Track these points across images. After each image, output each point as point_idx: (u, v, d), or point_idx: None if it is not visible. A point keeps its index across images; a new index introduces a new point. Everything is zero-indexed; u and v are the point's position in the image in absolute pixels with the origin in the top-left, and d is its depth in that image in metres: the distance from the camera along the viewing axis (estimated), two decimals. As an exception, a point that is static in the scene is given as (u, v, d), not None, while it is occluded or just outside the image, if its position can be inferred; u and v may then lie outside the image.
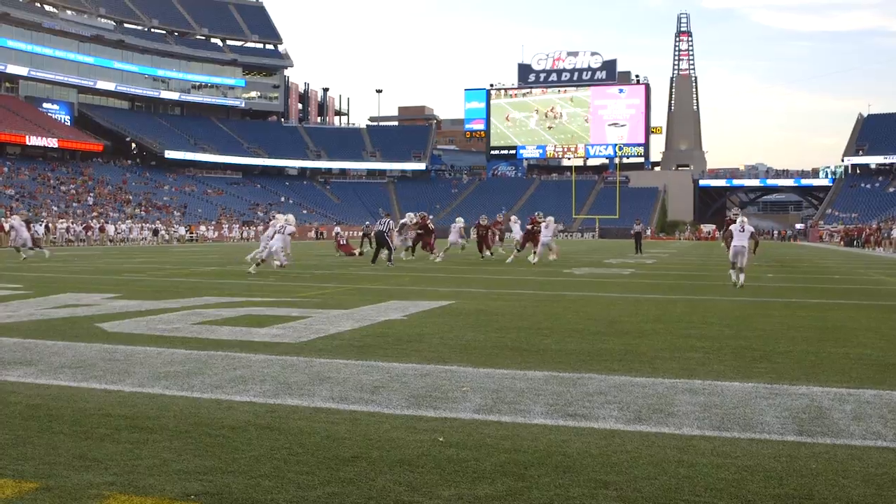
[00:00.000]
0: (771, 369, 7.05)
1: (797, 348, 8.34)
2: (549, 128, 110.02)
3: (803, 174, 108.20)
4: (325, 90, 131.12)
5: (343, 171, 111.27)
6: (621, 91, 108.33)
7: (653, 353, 7.89)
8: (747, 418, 5.24)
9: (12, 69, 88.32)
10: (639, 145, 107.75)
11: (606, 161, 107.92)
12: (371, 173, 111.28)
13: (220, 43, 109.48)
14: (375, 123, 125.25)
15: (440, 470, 4.05)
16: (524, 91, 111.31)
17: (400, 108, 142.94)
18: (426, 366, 6.98)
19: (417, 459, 4.21)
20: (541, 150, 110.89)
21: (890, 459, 4.35)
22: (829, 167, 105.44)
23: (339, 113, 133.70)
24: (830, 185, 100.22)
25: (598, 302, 13.39)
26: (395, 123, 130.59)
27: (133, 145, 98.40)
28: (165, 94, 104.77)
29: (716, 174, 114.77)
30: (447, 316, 10.94)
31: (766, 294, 15.58)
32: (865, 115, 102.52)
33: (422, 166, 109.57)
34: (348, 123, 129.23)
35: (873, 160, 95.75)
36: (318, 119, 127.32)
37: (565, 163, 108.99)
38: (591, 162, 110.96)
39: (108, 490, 3.71)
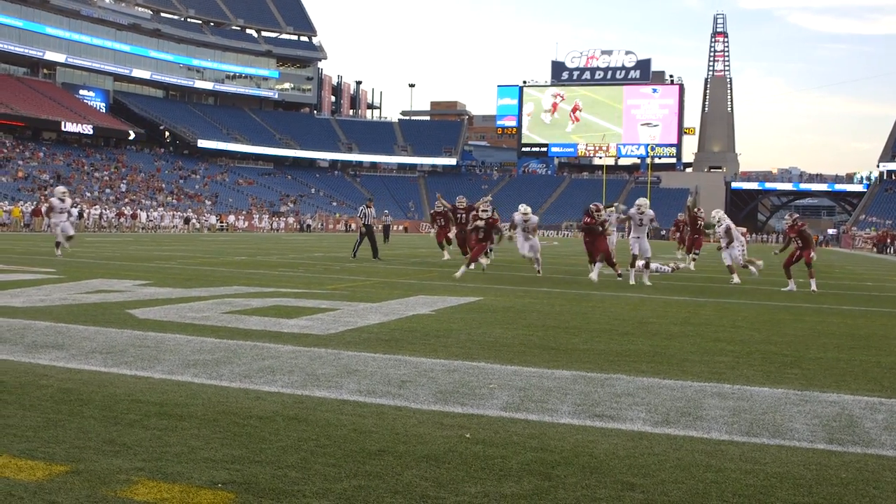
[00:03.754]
0: (801, 375, 6.98)
1: (828, 355, 8.25)
2: (581, 126, 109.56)
3: (837, 179, 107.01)
4: (359, 83, 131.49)
5: (374, 165, 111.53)
6: (655, 91, 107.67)
7: (681, 356, 7.84)
8: (777, 424, 5.18)
9: (50, 56, 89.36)
10: (671, 146, 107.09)
11: (638, 161, 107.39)
12: (402, 167, 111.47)
13: (254, 34, 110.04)
14: (407, 118, 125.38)
15: (466, 466, 4.05)
16: (557, 88, 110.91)
17: (432, 103, 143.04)
18: (454, 361, 6.98)
19: (444, 455, 4.21)
20: (572, 149, 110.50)
21: (922, 471, 4.29)
22: (863, 173, 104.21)
23: (371, 106, 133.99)
24: (865, 190, 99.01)
25: (627, 302, 13.32)
26: (427, 118, 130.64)
27: (166, 134, 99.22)
28: (200, 84, 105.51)
29: (748, 177, 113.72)
30: (475, 312, 10.93)
31: (797, 300, 15.42)
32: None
33: (452, 161, 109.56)
34: (380, 117, 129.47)
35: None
36: (351, 112, 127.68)
37: (596, 161, 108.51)
38: (623, 161, 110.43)
39: (136, 475, 3.74)
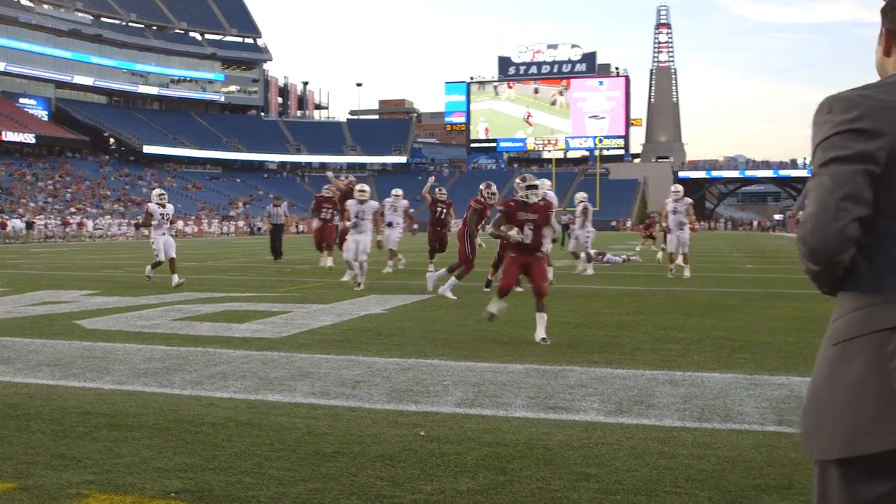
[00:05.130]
0: (751, 360, 7.09)
1: (777, 339, 8.39)
2: (530, 120, 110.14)
3: (782, 165, 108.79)
4: (305, 84, 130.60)
5: (323, 165, 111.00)
6: (601, 83, 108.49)
7: (633, 345, 7.92)
8: (727, 409, 5.26)
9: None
10: (619, 137, 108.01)
11: (587, 153, 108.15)
12: (352, 167, 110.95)
13: (198, 37, 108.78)
14: (356, 117, 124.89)
15: (422, 464, 4.04)
16: (504, 83, 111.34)
17: (380, 102, 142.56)
18: (407, 360, 6.97)
19: (399, 454, 4.20)
20: (521, 143, 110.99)
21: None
22: (806, 158, 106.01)
23: (319, 107, 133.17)
24: (809, 175, 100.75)
25: (579, 294, 13.41)
26: (376, 117, 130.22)
27: (111, 140, 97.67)
28: (144, 89, 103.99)
29: (695, 166, 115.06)
30: (428, 310, 10.93)
31: (747, 285, 15.66)
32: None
33: (402, 160, 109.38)
34: (328, 117, 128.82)
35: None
36: (298, 113, 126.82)
37: (545, 155, 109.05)
38: (572, 154, 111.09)
39: (87, 489, 3.68)
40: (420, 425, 4.78)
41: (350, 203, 14.28)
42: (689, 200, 17.77)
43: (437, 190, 17.68)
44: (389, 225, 17.90)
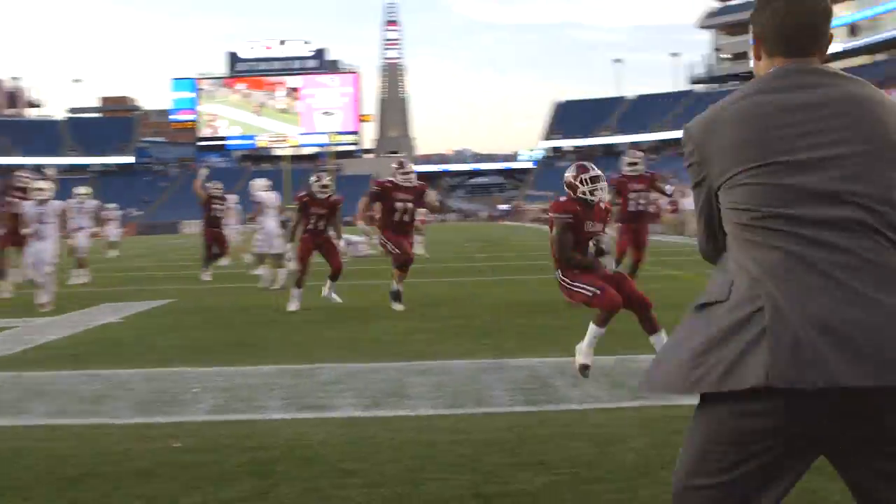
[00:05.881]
0: (494, 345, 7.41)
1: (514, 323, 8.82)
2: (261, 117, 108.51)
3: (507, 158, 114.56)
4: (15, 79, 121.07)
5: (38, 168, 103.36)
6: (332, 79, 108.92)
7: (381, 338, 8.04)
8: (478, 394, 5.47)
9: None
10: (351, 133, 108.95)
11: (319, 150, 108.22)
12: (72, 168, 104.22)
13: None
14: (75, 115, 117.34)
15: (180, 477, 3.88)
16: (234, 80, 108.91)
17: (102, 99, 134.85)
18: (151, 370, 6.65)
19: (154, 469, 4.00)
20: (251, 141, 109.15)
21: (608, 419, 4.73)
22: (528, 150, 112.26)
23: (32, 104, 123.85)
24: (534, 167, 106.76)
25: (317, 290, 13.37)
26: (98, 115, 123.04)
27: None
28: None
29: (426, 160, 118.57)
30: (167, 315, 10.50)
31: (481, 273, 16.34)
32: (560, 101, 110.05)
33: (128, 160, 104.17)
34: (43, 115, 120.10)
35: (568, 143, 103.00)
36: (9, 111, 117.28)
37: (278, 152, 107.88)
38: (305, 151, 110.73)
39: None
40: (173, 436, 4.58)
41: (27, 205, 11.99)
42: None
43: (211, 184, 16.47)
44: (75, 230, 15.55)
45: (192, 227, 70.94)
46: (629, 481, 3.65)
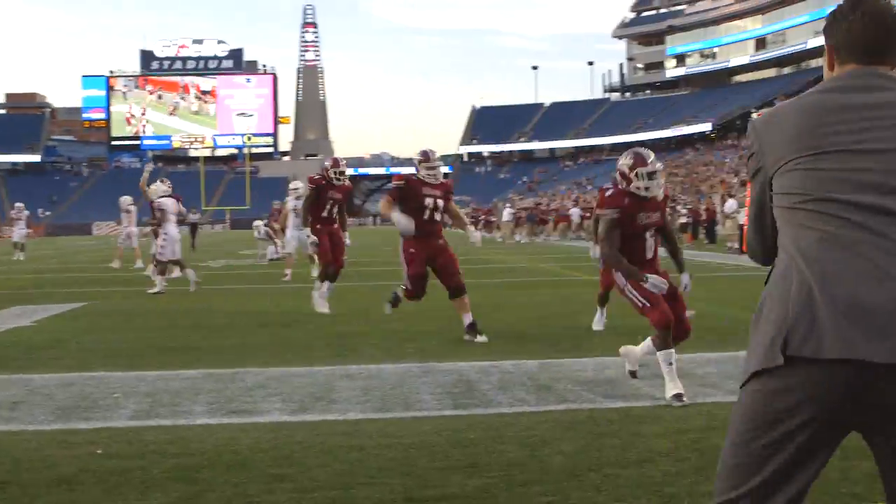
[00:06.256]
0: (419, 349, 7.42)
1: (439, 327, 8.84)
2: (175, 117, 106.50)
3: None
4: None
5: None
6: (249, 80, 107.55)
7: (306, 342, 7.98)
8: (406, 398, 5.47)
9: None
10: (268, 135, 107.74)
11: (236, 151, 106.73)
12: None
13: None
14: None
15: (103, 484, 3.79)
16: (148, 79, 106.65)
17: (8, 95, 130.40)
18: (69, 374, 6.46)
19: (76, 476, 3.90)
20: (166, 141, 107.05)
21: (536, 422, 4.78)
22: (446, 155, 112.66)
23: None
24: (451, 171, 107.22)
25: (242, 294, 13.24)
26: (3, 112, 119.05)
27: None
28: None
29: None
30: (82, 318, 10.23)
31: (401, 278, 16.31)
32: (478, 107, 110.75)
33: (35, 158, 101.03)
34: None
35: (486, 148, 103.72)
36: None
37: (193, 153, 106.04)
38: (220, 152, 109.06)
39: None
40: (95, 443, 4.47)
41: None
42: None
43: (160, 180, 15.19)
44: None
45: (104, 229, 69.38)
46: (560, 483, 3.70)
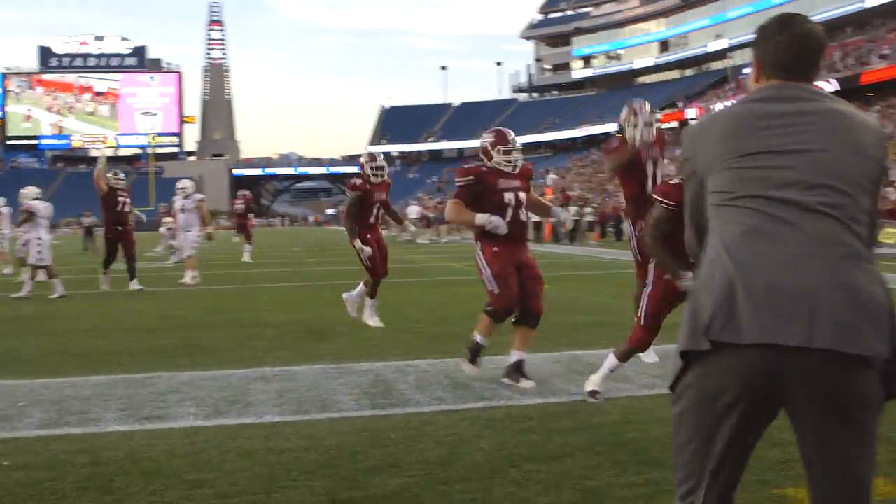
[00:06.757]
0: (335, 350, 7.37)
1: (353, 327, 8.78)
2: (76, 116, 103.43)
3: (333, 162, 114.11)
4: None
5: None
6: (153, 79, 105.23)
7: (217, 345, 7.84)
8: (322, 399, 5.43)
9: None
10: (173, 135, 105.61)
11: (140, 151, 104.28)
12: None
13: None
14: None
15: (12, 498, 3.65)
16: (47, 76, 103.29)
17: None
18: (-32, 383, 6.21)
19: (-18, 489, 3.75)
20: (66, 140, 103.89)
21: (455, 420, 4.80)
22: (354, 155, 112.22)
23: None
24: (359, 171, 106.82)
25: (149, 296, 12.92)
26: None
27: None
28: None
29: (250, 163, 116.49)
30: (-19, 325, 9.84)
31: (313, 278, 16.21)
32: (387, 106, 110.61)
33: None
34: None
35: (395, 148, 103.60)
36: None
37: (94, 153, 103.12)
38: (123, 152, 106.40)
39: None
40: (1, 455, 4.30)
41: None
42: (201, 196, 16.36)
43: (113, 173, 13.89)
44: None
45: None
46: (482, 480, 3.72)
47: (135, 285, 13.58)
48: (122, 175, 14.28)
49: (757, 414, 1.99)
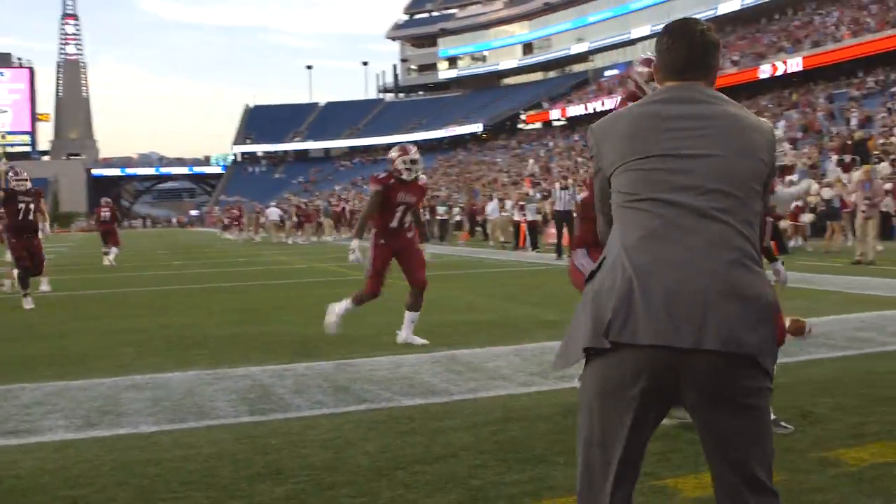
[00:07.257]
0: (209, 355, 7.19)
1: (227, 332, 8.61)
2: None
3: (196, 162, 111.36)
4: None
5: None
6: (2, 74, 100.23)
7: (83, 353, 7.53)
8: (199, 406, 5.29)
9: None
10: (25, 133, 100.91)
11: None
12: None
13: None
14: None
15: None
16: None
17: None
18: None
19: None
20: None
21: (337, 424, 4.76)
22: (220, 155, 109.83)
23: None
24: (223, 171, 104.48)
25: (7, 304, 12.29)
26: None
27: None
28: None
29: (109, 163, 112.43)
30: None
31: (181, 281, 15.78)
32: (252, 105, 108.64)
33: None
34: None
35: (260, 148, 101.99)
36: None
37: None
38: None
39: None
40: None
41: None
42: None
43: (12, 175, 11.83)
44: None
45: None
46: (369, 483, 3.71)
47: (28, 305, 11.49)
48: (24, 175, 11.94)
49: (655, 407, 2.08)
